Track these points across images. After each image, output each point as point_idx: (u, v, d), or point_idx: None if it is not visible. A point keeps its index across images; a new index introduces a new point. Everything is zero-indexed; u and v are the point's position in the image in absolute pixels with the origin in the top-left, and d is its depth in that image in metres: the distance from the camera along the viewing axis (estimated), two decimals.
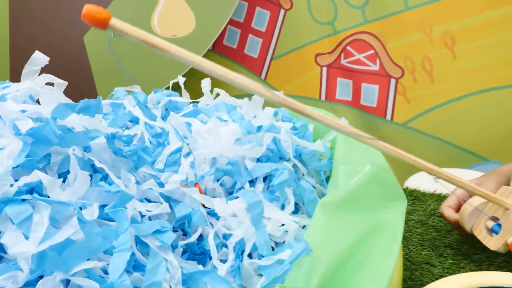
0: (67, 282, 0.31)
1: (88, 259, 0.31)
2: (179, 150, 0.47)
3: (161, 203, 0.40)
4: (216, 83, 0.68)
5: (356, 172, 0.44)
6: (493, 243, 0.50)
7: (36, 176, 0.34)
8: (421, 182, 0.80)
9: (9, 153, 0.34)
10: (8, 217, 0.31)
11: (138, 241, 0.34)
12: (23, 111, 0.40)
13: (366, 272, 0.36)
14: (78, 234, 0.31)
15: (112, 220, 0.35)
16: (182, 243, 0.37)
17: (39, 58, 0.41)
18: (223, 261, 0.38)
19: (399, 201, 0.44)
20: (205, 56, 1.44)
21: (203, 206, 0.41)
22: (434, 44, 1.27)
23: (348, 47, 1.37)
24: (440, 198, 0.74)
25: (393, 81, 1.36)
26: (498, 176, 0.57)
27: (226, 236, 0.40)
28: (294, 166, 0.48)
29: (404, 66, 1.31)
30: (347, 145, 0.48)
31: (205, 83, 0.62)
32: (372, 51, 1.35)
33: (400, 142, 1.39)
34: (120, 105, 0.55)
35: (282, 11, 1.43)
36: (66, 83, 0.43)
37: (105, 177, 0.39)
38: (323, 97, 1.47)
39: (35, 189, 0.35)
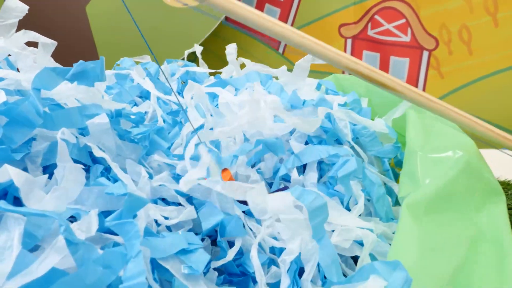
0: None
1: None
2: (201, 128, 0.36)
3: (180, 204, 0.30)
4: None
5: (441, 161, 0.33)
6: None
7: (7, 172, 0.23)
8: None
9: None
10: None
11: (156, 266, 0.24)
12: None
13: None
14: (67, 261, 0.21)
15: (116, 235, 0.24)
16: (216, 264, 0.26)
17: (15, 7, 0.30)
18: (272, 286, 0.27)
19: (496, 197, 0.33)
20: (217, 29, 1.32)
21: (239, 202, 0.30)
22: (474, 11, 1.14)
23: (376, 16, 1.24)
24: None
25: (425, 54, 1.24)
26: None
27: (274, 249, 0.29)
28: (352, 150, 0.37)
29: (439, 36, 1.19)
30: (423, 125, 0.36)
31: (231, 50, 0.51)
32: (403, 20, 1.22)
33: None
34: (127, 77, 0.44)
35: None
36: (54, 43, 0.32)
37: (107, 170, 0.29)
38: (346, 72, 1.35)
39: (9, 192, 0.25)
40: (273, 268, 0.28)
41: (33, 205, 0.23)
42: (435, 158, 0.33)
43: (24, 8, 0.31)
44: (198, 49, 0.59)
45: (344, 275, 0.28)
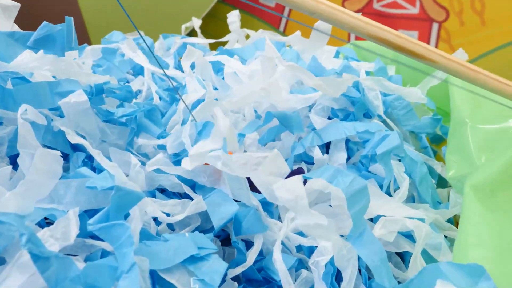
0: None
1: None
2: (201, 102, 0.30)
3: (183, 195, 0.24)
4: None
5: (498, 133, 0.27)
6: None
7: None
8: None
9: None
10: None
11: (157, 279, 0.18)
12: None
13: None
14: (36, 281, 0.15)
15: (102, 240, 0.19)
16: (234, 272, 0.21)
17: None
18: None
19: None
20: (214, 7, 1.25)
21: (251, 187, 0.24)
22: None
23: None
24: None
25: (435, 26, 1.17)
26: None
27: (301, 248, 0.23)
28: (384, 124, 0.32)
29: (449, 7, 1.12)
30: (469, 92, 0.31)
31: (233, 18, 0.45)
32: None
33: None
34: (116, 51, 0.38)
35: None
36: (17, 4, 0.26)
37: (91, 159, 0.23)
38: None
39: None
40: (304, 272, 0.22)
41: None
42: (490, 129, 0.28)
43: None
44: (196, 22, 0.53)
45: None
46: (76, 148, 0.24)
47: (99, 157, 0.20)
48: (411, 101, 0.33)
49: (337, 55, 0.40)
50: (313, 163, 0.29)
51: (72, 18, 0.23)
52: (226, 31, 0.47)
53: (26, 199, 0.18)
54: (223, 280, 0.21)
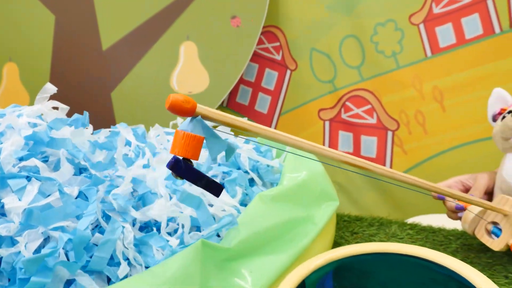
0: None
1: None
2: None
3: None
4: None
5: (296, 178, 0.53)
6: (496, 245, 0.53)
7: (33, 162, 0.45)
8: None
9: (12, 143, 0.46)
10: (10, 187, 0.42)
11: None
12: (35, 124, 0.52)
13: (283, 243, 0.44)
14: (58, 201, 0.42)
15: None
16: None
17: (49, 88, 0.54)
18: None
19: (331, 201, 0.53)
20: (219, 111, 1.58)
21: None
22: (425, 98, 1.36)
23: (347, 103, 1.48)
24: None
25: (390, 133, 1.44)
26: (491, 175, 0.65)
27: None
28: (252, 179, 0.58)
29: (399, 119, 1.40)
30: (294, 159, 0.58)
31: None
32: (369, 106, 1.45)
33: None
34: (118, 133, 0.67)
35: (289, 72, 1.57)
36: (67, 107, 0.55)
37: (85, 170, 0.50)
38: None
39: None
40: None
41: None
42: (294, 176, 0.54)
43: (54, 89, 0.55)
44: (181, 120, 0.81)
45: None
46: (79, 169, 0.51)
47: (90, 169, 0.48)
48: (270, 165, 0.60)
49: (247, 142, 0.68)
50: None
51: (87, 113, 0.52)
52: None
53: (60, 178, 0.45)
54: None
